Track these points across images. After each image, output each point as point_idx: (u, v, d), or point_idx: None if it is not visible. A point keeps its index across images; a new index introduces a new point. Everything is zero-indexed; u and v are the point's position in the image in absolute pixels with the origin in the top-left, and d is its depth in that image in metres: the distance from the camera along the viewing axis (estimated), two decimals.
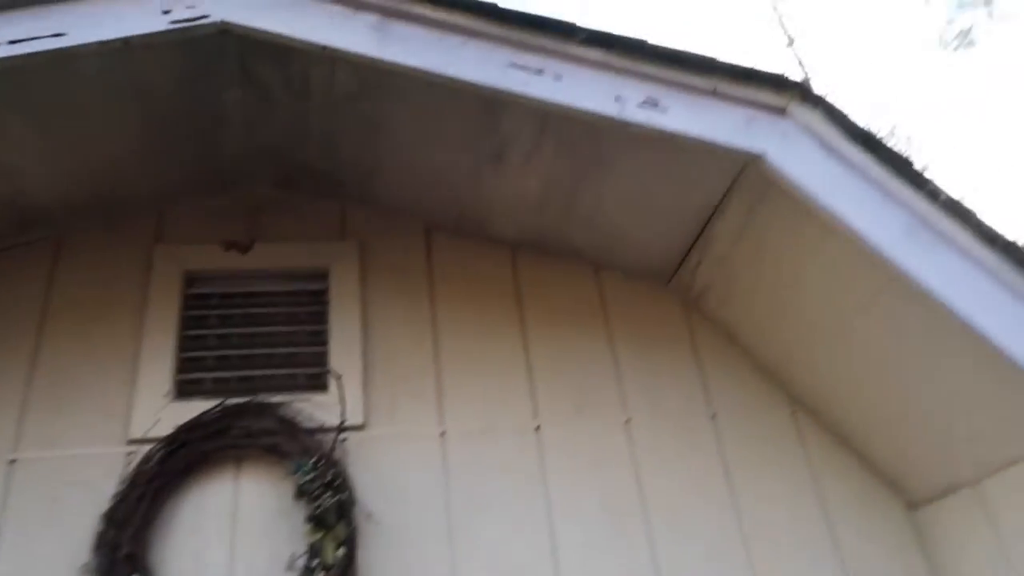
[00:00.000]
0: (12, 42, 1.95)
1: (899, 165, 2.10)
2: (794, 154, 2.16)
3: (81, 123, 2.33)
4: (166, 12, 2.07)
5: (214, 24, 2.10)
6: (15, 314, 2.51)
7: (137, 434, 2.33)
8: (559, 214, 2.68)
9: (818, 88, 2.17)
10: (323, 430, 2.36)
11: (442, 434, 2.46)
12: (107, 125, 2.38)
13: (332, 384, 2.47)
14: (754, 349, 2.69)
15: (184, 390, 2.46)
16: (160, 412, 2.38)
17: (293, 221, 2.79)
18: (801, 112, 2.21)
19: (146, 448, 2.29)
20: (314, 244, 2.76)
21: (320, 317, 2.63)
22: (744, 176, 2.32)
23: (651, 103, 2.18)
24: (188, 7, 2.08)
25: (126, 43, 2.05)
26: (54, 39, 1.98)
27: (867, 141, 2.14)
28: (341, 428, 2.36)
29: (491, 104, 2.27)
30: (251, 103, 2.47)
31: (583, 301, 2.78)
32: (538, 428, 2.50)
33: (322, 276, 2.71)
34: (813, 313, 2.44)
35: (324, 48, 2.13)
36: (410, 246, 2.80)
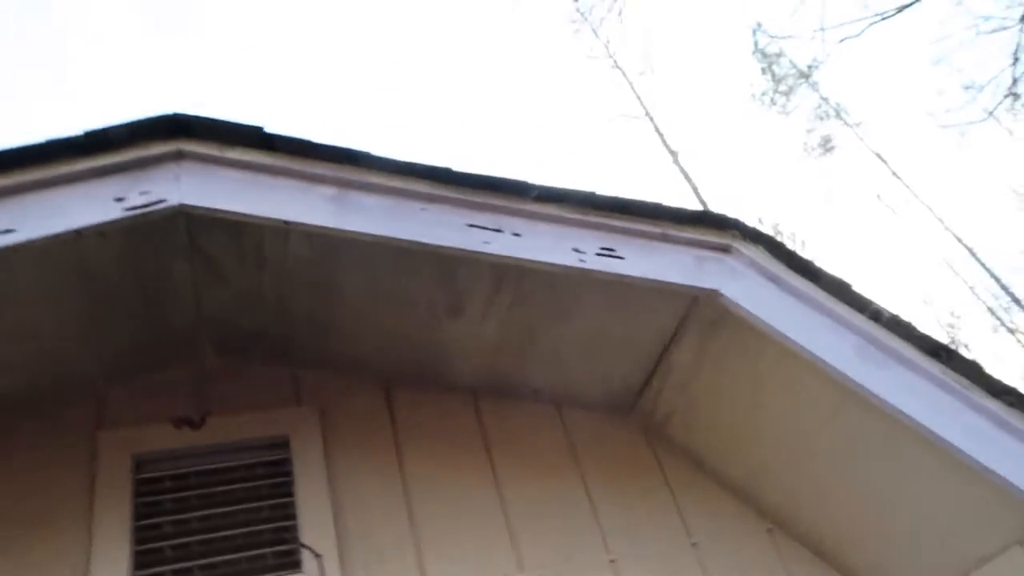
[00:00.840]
0: None
1: (841, 290, 2.26)
2: (743, 288, 2.31)
3: (16, 309, 2.23)
4: (119, 199, 2.05)
5: (170, 208, 2.09)
6: None
7: None
8: (518, 358, 2.73)
9: (749, 220, 2.34)
10: None
11: None
12: (45, 309, 2.28)
13: (304, 562, 2.34)
14: (723, 471, 2.74)
15: None
16: None
17: (246, 390, 2.70)
18: (744, 248, 2.38)
19: None
20: (270, 412, 2.67)
21: (284, 489, 2.52)
22: (696, 309, 2.45)
23: (607, 251, 2.29)
24: (142, 193, 2.07)
25: (78, 234, 2.00)
26: (4, 235, 1.91)
27: (807, 271, 2.31)
28: None
29: (448, 261, 2.34)
30: (200, 275, 2.44)
31: (550, 442, 2.78)
32: None
33: (282, 445, 2.61)
34: (776, 432, 2.54)
35: (286, 223, 2.14)
36: (370, 404, 2.75)
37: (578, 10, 17.33)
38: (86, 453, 2.47)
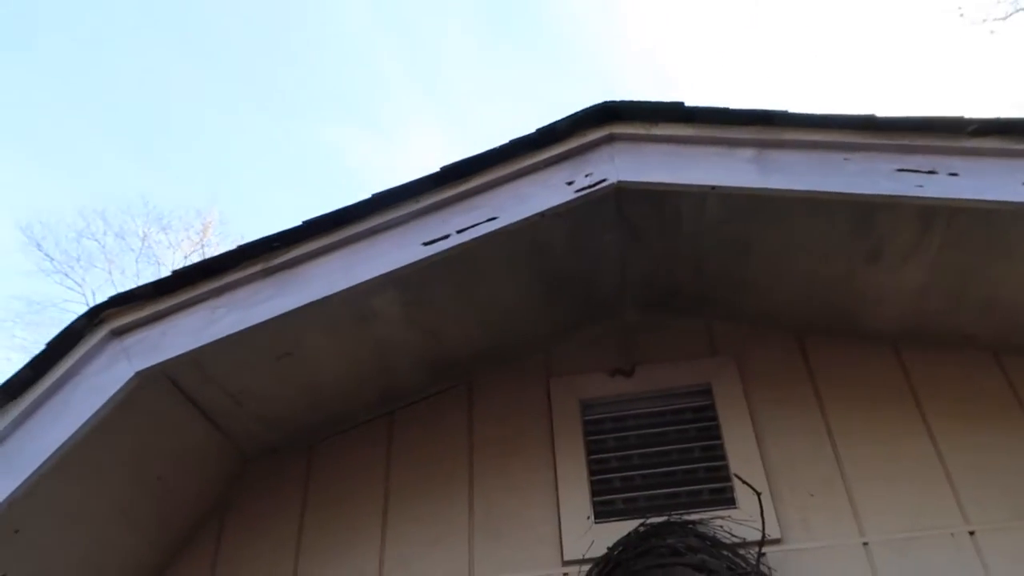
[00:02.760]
0: (460, 231, 2.38)
1: None
2: None
3: (486, 283, 2.73)
4: (569, 183, 2.41)
5: (610, 185, 2.40)
6: (445, 454, 2.92)
7: (572, 556, 2.57)
8: (946, 304, 2.62)
9: None
10: (744, 544, 2.43)
11: (865, 544, 2.41)
12: (505, 281, 2.76)
13: (739, 498, 2.55)
14: None
15: (600, 511, 2.68)
16: (586, 534, 2.60)
17: (667, 342, 2.99)
18: None
19: (582, 569, 2.51)
20: (691, 362, 2.92)
21: (711, 433, 2.75)
22: None
23: None
24: (587, 175, 2.40)
25: (542, 216, 2.41)
26: (489, 223, 2.38)
27: None
28: (763, 543, 2.41)
29: (867, 207, 2.33)
30: (625, 242, 2.74)
31: (987, 392, 2.64)
32: (972, 533, 2.36)
33: (705, 392, 2.85)
34: None
35: (712, 188, 2.32)
36: (785, 354, 2.86)
37: None
38: (543, 396, 2.96)
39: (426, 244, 2.39)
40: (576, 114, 2.51)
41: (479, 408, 3.02)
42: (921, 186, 2.17)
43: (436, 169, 2.47)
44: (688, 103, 2.41)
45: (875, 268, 2.58)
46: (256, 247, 2.47)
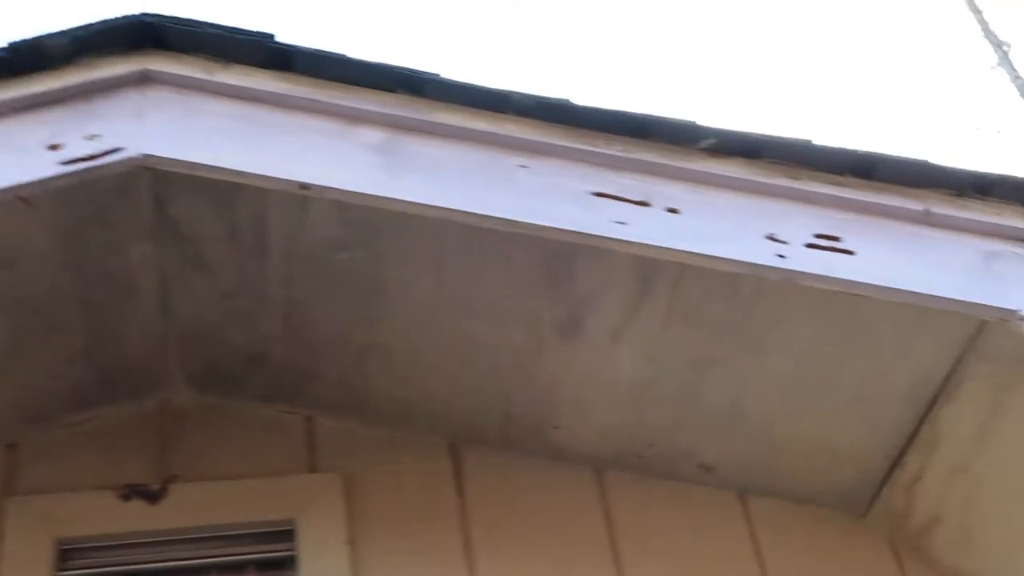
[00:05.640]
0: None
1: None
2: None
3: None
4: (53, 147, 2.26)
5: (130, 160, 2.29)
6: None
7: None
8: (672, 411, 2.83)
9: None
10: None
11: None
12: None
13: None
14: None
15: None
16: None
17: (232, 446, 2.93)
18: None
19: None
20: (270, 481, 2.88)
21: None
22: (982, 340, 2.48)
23: (827, 240, 2.35)
24: (89, 137, 2.27)
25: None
26: None
27: None
28: None
29: (562, 251, 2.45)
30: (169, 264, 2.64)
31: (727, 543, 2.91)
32: None
33: (283, 535, 2.80)
34: None
35: (303, 187, 2.30)
36: (430, 475, 2.92)
37: None
38: None
39: None
40: (88, 27, 2.38)
41: None
42: (623, 223, 2.29)
43: None
44: (283, 39, 2.40)
45: (572, 347, 2.71)
46: None
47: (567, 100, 2.41)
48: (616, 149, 2.38)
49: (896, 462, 2.84)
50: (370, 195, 2.33)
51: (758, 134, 2.43)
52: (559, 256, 2.47)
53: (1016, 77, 17.10)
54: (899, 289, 2.34)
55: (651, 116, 2.41)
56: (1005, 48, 17.45)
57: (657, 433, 2.90)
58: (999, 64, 17.48)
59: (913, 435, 2.76)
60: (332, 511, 2.84)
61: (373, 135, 2.37)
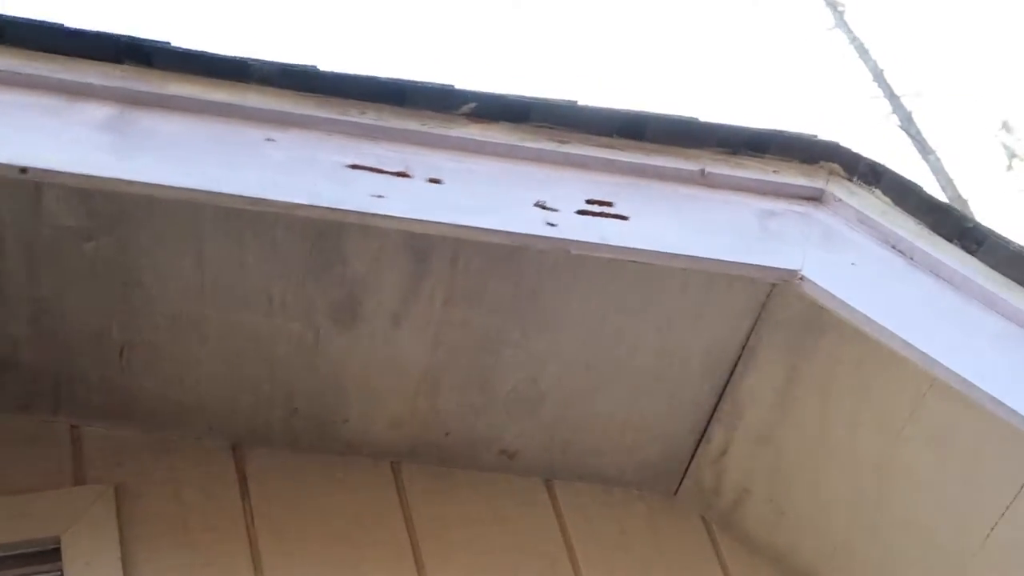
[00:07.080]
0: None
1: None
2: (839, 264, 2.32)
3: None
4: None
5: None
6: None
7: None
8: (467, 396, 2.77)
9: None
10: None
11: None
12: None
13: None
14: None
15: None
16: None
17: None
18: (847, 193, 2.38)
19: None
20: (31, 498, 2.72)
21: None
22: (771, 305, 2.47)
23: (599, 206, 2.30)
24: None
25: None
26: None
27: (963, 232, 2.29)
28: None
29: (328, 230, 2.36)
30: None
31: (536, 539, 2.88)
32: None
33: (48, 554, 2.66)
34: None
35: (22, 171, 2.12)
36: (210, 480, 2.81)
37: None
38: None
39: None
40: None
41: None
42: (381, 196, 2.20)
43: None
44: None
45: (352, 334, 2.63)
46: None
47: (314, 67, 2.33)
48: (371, 118, 2.29)
49: (702, 437, 2.85)
50: (98, 177, 2.19)
51: (522, 97, 2.37)
52: (324, 236, 2.39)
53: (854, 39, 17.81)
54: (675, 254, 2.33)
55: (406, 81, 2.33)
56: (840, 9, 18.18)
57: (453, 420, 2.85)
58: (835, 26, 18.22)
59: (715, 407, 2.78)
60: (101, 526, 2.69)
61: (100, 111, 2.22)
